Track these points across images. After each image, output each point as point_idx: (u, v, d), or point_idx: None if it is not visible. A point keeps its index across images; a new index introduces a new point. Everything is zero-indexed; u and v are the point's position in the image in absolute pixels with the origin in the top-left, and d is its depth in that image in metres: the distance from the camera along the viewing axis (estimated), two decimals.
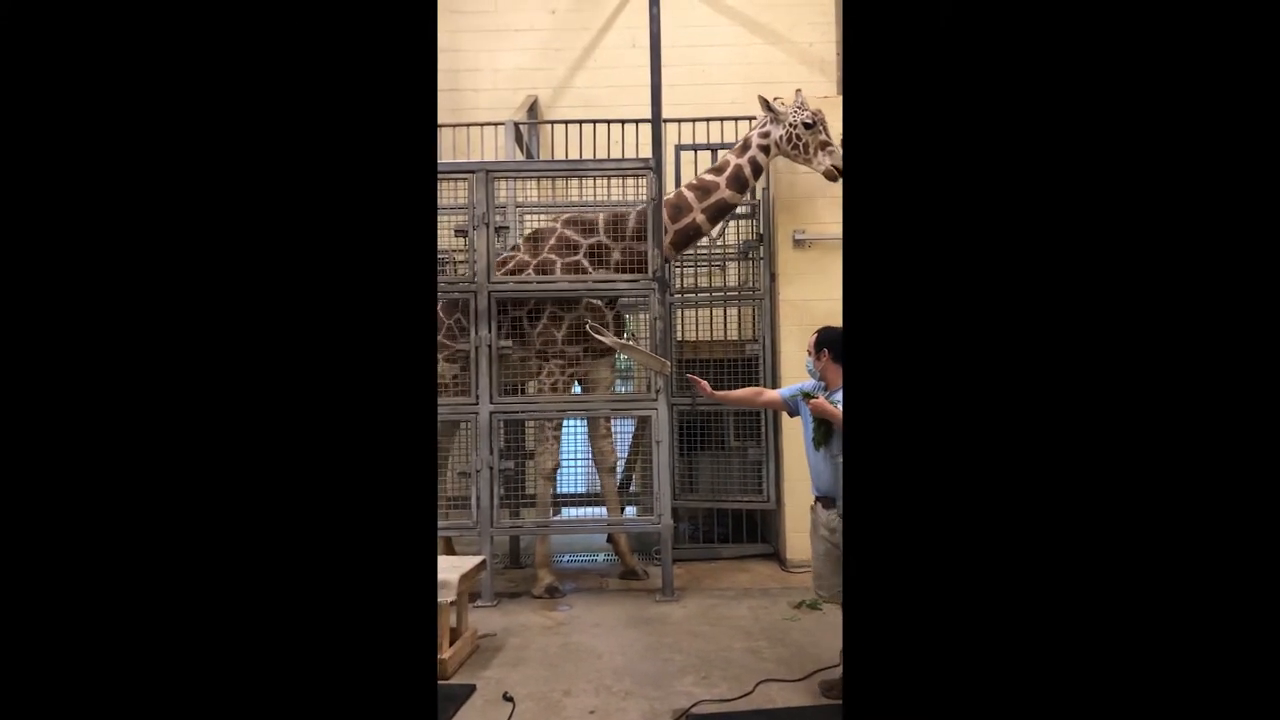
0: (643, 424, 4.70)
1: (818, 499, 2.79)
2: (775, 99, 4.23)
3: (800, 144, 4.09)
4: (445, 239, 4.87)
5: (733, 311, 5.12)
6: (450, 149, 5.65)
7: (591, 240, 4.21)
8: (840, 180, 4.09)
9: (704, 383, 3.16)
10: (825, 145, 4.09)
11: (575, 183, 4.88)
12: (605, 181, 4.61)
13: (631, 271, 4.15)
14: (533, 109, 5.97)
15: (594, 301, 4.25)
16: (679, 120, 5.16)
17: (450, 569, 3.21)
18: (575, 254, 4.18)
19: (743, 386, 4.61)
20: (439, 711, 2.64)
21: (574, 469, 5.31)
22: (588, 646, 3.35)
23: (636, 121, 5.09)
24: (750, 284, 5.10)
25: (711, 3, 6.12)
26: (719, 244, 5.12)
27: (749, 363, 4.81)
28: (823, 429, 2.71)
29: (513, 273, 4.20)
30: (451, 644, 3.11)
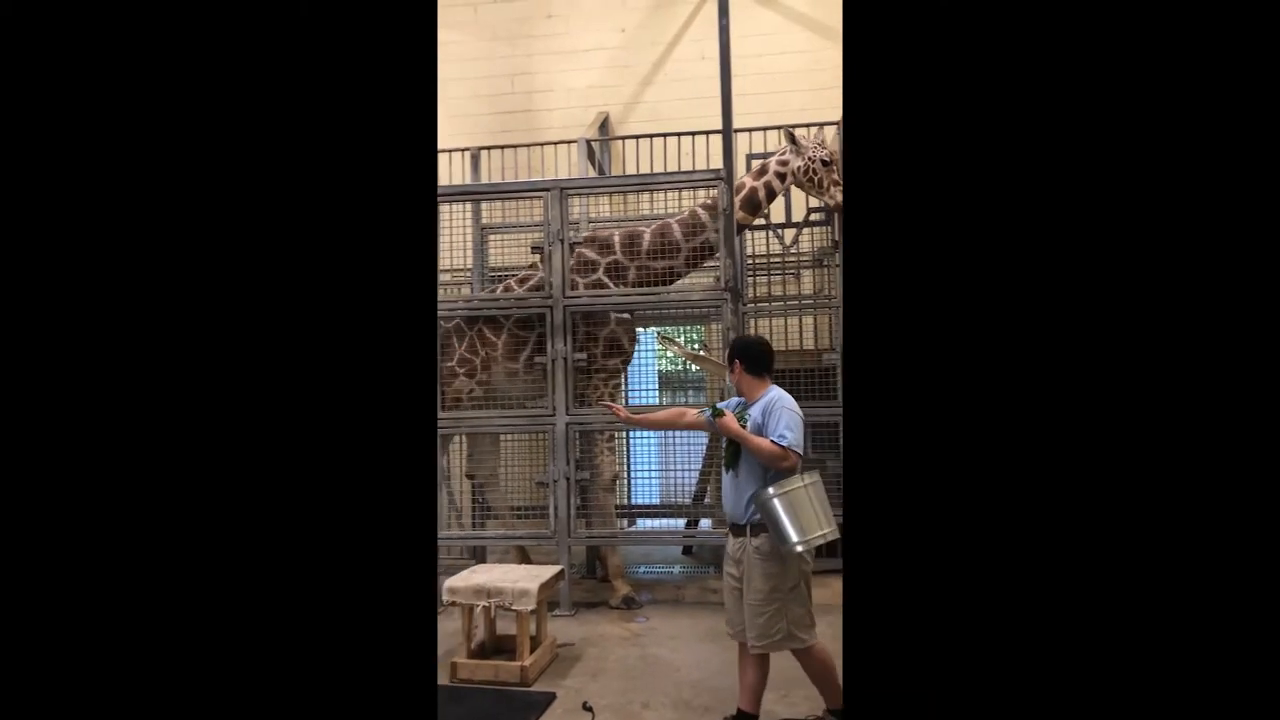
0: (717, 435, 4.66)
1: (729, 525, 2.57)
2: (803, 135, 4.47)
3: (815, 178, 4.32)
4: (521, 255, 5.02)
5: (808, 320, 5.03)
6: (525, 168, 5.82)
7: (609, 259, 4.36)
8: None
9: (619, 408, 2.94)
10: (838, 183, 4.28)
11: (646, 196, 4.93)
12: (676, 194, 4.64)
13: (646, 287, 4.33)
14: (604, 125, 6.08)
15: (623, 316, 4.39)
16: (750, 129, 5.13)
17: (529, 578, 3.28)
18: (595, 272, 4.33)
19: (822, 398, 4.52)
20: (522, 718, 2.69)
21: (649, 480, 5.33)
22: (665, 659, 3.34)
23: (707, 133, 5.10)
24: (825, 291, 5.00)
25: (780, 10, 6.07)
26: (792, 251, 5.05)
27: (825, 373, 4.70)
28: (731, 449, 2.50)
29: (536, 288, 4.37)
30: (532, 652, 3.16)
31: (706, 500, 5.15)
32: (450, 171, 5.72)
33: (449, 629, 3.79)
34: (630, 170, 5.65)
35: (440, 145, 4.94)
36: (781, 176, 4.36)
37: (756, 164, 4.57)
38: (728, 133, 4.20)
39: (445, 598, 3.28)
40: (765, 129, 5.18)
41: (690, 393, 6.21)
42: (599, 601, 4.23)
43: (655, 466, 5.33)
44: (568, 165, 5.67)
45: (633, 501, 5.31)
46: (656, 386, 5.85)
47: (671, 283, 4.40)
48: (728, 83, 4.16)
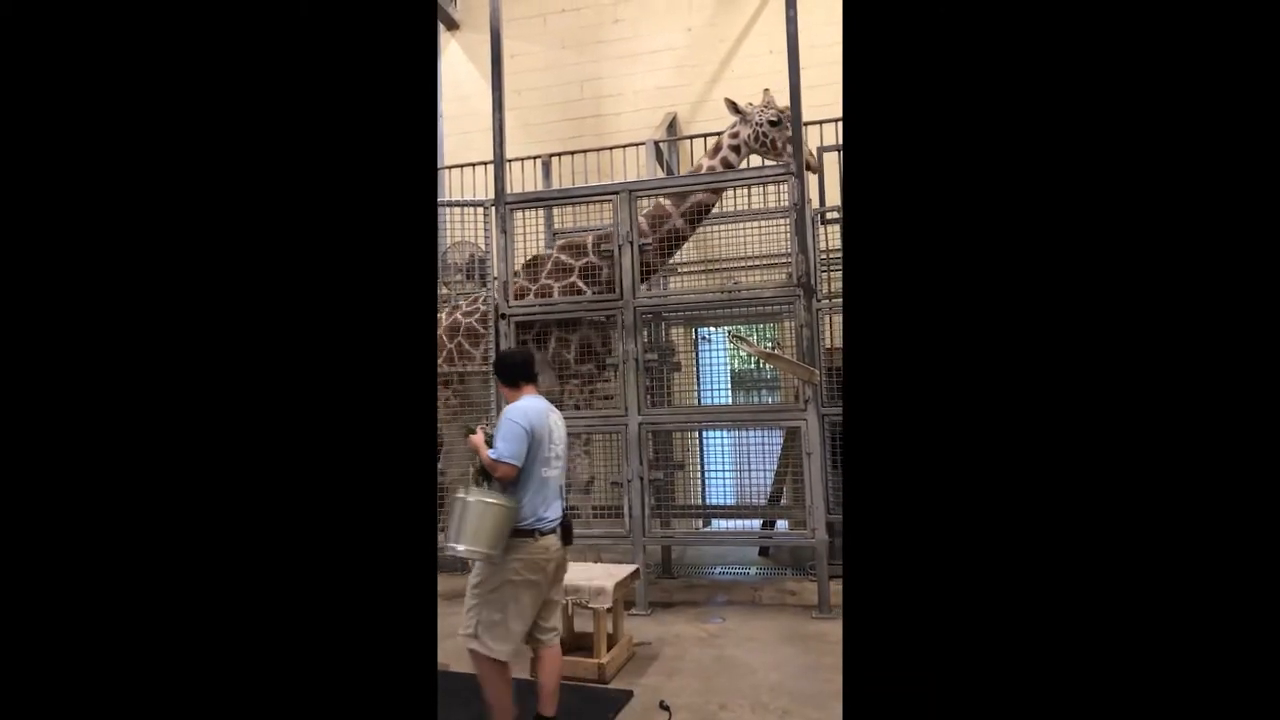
0: (792, 435, 4.57)
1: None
2: (748, 104, 4.44)
3: (768, 140, 4.32)
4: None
5: None
6: (595, 172, 5.90)
7: (583, 261, 4.43)
8: (817, 172, 4.45)
9: (478, 442, 2.48)
10: (791, 140, 4.18)
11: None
12: (746, 191, 4.57)
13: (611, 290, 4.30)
14: (672, 126, 6.08)
15: (598, 319, 4.45)
16: (820, 122, 5.02)
17: (606, 576, 3.31)
18: (570, 276, 4.40)
19: None
20: (601, 714, 2.72)
21: (724, 480, 5.29)
22: (742, 661, 3.30)
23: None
24: None
25: None
26: None
27: None
28: (479, 462, 2.44)
29: (516, 297, 4.45)
30: (609, 650, 3.19)
31: (783, 501, 5.06)
32: (523, 179, 5.85)
33: None
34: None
35: (512, 154, 5.07)
36: (736, 149, 4.36)
37: (711, 142, 4.60)
38: (797, 126, 4.12)
39: None
40: (836, 121, 5.05)
41: (764, 392, 6.11)
42: (675, 601, 4.23)
43: (729, 467, 5.28)
44: (636, 167, 5.70)
45: (708, 502, 5.28)
46: (729, 386, 5.79)
47: (646, 278, 4.38)
48: (796, 75, 4.08)
